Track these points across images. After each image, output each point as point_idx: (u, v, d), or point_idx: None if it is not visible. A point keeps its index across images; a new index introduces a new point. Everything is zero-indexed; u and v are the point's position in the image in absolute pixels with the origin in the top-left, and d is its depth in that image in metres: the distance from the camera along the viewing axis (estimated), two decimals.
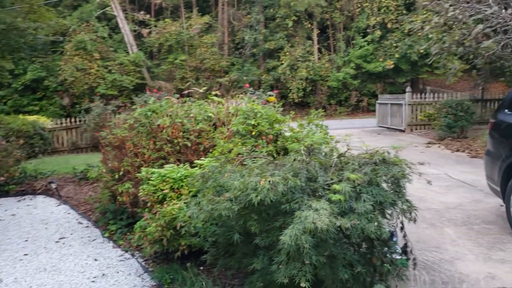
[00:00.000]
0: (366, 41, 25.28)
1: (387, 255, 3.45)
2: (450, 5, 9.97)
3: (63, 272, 4.82)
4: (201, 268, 4.44)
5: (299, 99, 25.48)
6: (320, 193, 3.14)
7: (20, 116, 15.35)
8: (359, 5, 25.84)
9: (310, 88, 25.88)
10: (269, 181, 3.02)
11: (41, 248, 5.62)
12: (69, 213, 7.23)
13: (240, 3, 27.59)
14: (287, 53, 25.32)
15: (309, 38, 26.56)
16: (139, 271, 4.70)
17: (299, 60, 25.25)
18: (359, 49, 25.14)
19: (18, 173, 9.23)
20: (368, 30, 25.71)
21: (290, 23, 24.91)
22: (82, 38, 21.12)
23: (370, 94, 26.06)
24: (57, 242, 5.86)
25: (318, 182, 3.22)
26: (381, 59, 24.61)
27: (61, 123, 15.61)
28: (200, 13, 27.27)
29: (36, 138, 13.50)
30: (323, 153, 4.01)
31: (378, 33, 25.17)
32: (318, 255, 2.77)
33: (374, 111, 20.52)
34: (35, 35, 8.75)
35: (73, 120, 15.72)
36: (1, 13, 7.65)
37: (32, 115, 17.36)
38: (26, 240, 5.98)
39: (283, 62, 25.20)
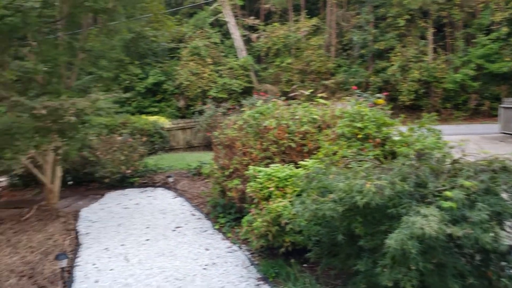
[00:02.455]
0: (489, 39, 23.18)
1: (505, 269, 3.21)
2: None
3: (179, 258, 5.29)
4: (304, 265, 4.54)
5: (410, 102, 24.21)
6: (429, 200, 3.04)
7: (143, 116, 16.98)
8: (482, 0, 23.81)
9: (423, 90, 24.46)
10: (375, 185, 3.00)
11: (160, 235, 6.23)
12: (183, 205, 7.85)
13: (349, 3, 27.14)
14: (398, 54, 24.25)
15: (423, 37, 25.12)
16: (246, 263, 4.96)
17: (411, 61, 24.03)
18: (481, 48, 23.13)
19: (141, 167, 10.29)
20: (492, 27, 23.55)
21: (402, 22, 23.81)
22: (196, 44, 22.59)
23: (493, 97, 23.77)
24: (173, 230, 6.43)
25: (428, 188, 3.12)
26: (507, 59, 22.34)
27: (177, 124, 16.90)
28: (308, 16, 27.42)
29: (156, 136, 14.81)
30: (435, 159, 3.84)
31: (504, 30, 22.92)
32: (425, 262, 2.69)
33: (497, 116, 18.74)
34: (158, 43, 9.63)
35: (187, 120, 16.92)
36: (132, 24, 8.63)
37: (153, 115, 19.04)
38: (148, 227, 6.66)
39: (393, 63, 24.19)
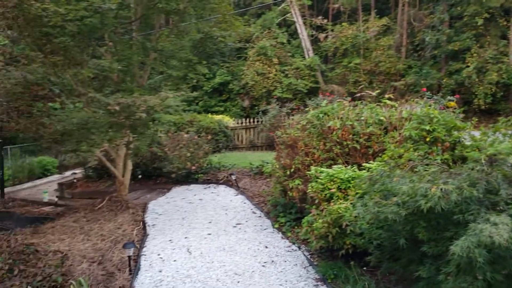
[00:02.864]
0: None
1: None
2: None
3: (239, 253, 5.40)
4: (364, 268, 4.44)
5: (486, 106, 22.71)
6: (501, 207, 2.87)
7: (209, 115, 17.46)
8: None
9: (501, 93, 22.87)
10: (441, 189, 2.88)
11: (221, 230, 6.39)
12: (245, 203, 7.99)
13: (422, 2, 26.03)
14: (475, 55, 22.83)
15: (504, 37, 23.49)
16: (305, 263, 4.95)
17: (489, 62, 22.55)
18: None
19: (206, 164, 10.61)
20: None
21: (481, 21, 22.40)
22: (263, 44, 22.79)
23: None
24: (234, 227, 6.57)
25: (500, 195, 2.94)
26: None
27: (241, 123, 17.17)
28: (378, 16, 26.65)
29: (220, 135, 15.17)
30: (509, 165, 3.60)
31: None
32: (494, 272, 2.54)
33: None
34: (225, 43, 9.88)
35: (251, 120, 17.14)
36: (200, 24, 8.93)
37: (218, 115, 19.50)
38: (210, 222, 6.87)
39: (469, 64, 22.84)
